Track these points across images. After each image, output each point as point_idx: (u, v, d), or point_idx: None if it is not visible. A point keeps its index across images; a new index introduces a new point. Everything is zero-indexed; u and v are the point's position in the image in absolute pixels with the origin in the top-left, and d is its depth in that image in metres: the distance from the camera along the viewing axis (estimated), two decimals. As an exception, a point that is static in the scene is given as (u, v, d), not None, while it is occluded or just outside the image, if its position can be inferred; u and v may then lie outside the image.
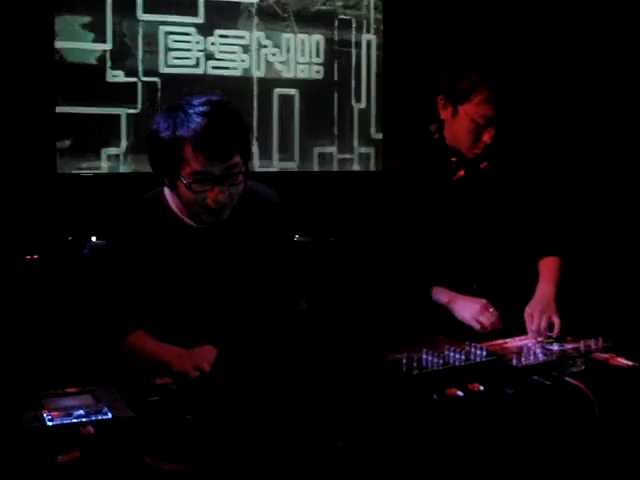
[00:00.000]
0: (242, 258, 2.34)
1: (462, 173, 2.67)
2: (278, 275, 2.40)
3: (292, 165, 4.31)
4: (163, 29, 3.97)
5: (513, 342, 2.37)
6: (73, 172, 3.84)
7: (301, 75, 4.30)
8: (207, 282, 2.31)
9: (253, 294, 2.34)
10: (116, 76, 3.88)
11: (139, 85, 3.93)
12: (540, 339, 2.39)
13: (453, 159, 2.65)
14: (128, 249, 2.29)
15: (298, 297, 2.48)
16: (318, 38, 4.32)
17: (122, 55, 3.90)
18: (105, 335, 2.32)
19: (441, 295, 2.61)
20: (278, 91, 4.24)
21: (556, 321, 2.46)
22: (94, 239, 3.71)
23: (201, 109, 2.14)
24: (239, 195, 2.23)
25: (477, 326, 2.46)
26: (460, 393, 1.95)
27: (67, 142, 3.82)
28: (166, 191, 2.31)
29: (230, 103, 2.23)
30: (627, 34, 4.34)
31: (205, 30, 4.06)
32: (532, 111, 4.08)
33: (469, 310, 2.51)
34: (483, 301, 2.52)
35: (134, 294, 2.29)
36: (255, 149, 4.14)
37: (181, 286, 2.29)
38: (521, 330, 2.47)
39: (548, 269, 2.69)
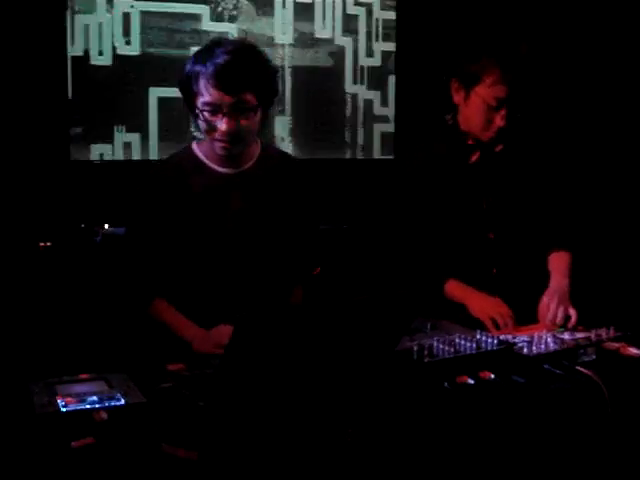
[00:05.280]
0: (265, 207, 2.48)
1: (477, 156, 2.67)
2: (298, 232, 2.55)
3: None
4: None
5: (525, 331, 2.37)
6: (86, 159, 3.85)
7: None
8: (231, 228, 2.44)
9: (274, 246, 2.48)
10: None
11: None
12: (552, 328, 2.39)
13: (469, 142, 2.65)
14: (155, 198, 2.44)
15: (313, 261, 2.62)
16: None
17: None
18: (132, 299, 2.46)
19: (456, 290, 2.60)
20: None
21: (573, 313, 2.46)
22: (107, 226, 3.72)
23: (221, 48, 2.31)
24: (252, 132, 2.40)
25: (490, 324, 2.44)
26: (471, 381, 1.95)
27: (79, 129, 3.83)
28: (194, 144, 2.53)
29: (254, 47, 2.41)
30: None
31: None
32: (547, 96, 4.06)
33: (483, 308, 2.49)
34: (497, 300, 2.51)
35: (160, 252, 2.43)
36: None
37: (206, 233, 2.42)
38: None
39: (560, 263, 2.67)
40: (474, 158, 2.68)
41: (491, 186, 2.68)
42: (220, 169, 2.46)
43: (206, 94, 2.28)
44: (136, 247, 2.45)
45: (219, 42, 2.35)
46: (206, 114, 2.30)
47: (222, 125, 2.29)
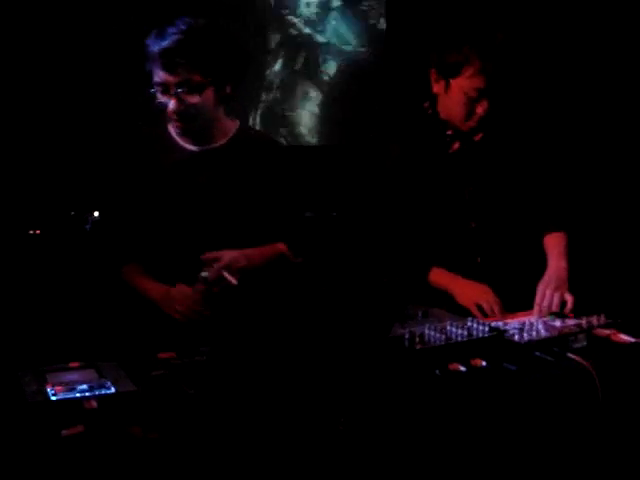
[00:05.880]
0: (233, 185, 2.51)
1: (457, 146, 2.66)
2: (275, 216, 2.57)
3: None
4: None
5: (516, 317, 2.37)
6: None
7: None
8: (196, 203, 2.48)
9: (241, 224, 2.51)
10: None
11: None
12: (544, 315, 2.39)
13: (448, 132, 2.64)
14: (127, 170, 2.53)
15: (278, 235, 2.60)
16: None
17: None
18: (105, 261, 2.57)
19: (441, 278, 2.59)
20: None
21: (569, 298, 2.45)
22: (96, 214, 3.70)
23: (172, 28, 2.33)
24: (206, 110, 2.41)
25: (476, 311, 2.44)
26: (462, 368, 1.95)
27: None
28: None
29: (210, 25, 2.40)
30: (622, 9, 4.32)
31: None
32: (528, 84, 4.05)
33: (468, 294, 2.49)
34: (484, 286, 2.51)
35: (132, 222, 2.51)
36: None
37: (173, 207, 2.48)
38: (526, 305, 2.48)
39: (557, 244, 2.67)
40: (454, 147, 2.67)
41: (472, 175, 2.68)
42: (188, 146, 2.52)
43: (154, 74, 2.34)
44: (108, 216, 2.61)
45: (173, 22, 2.36)
46: (158, 94, 2.36)
47: (170, 104, 2.35)
